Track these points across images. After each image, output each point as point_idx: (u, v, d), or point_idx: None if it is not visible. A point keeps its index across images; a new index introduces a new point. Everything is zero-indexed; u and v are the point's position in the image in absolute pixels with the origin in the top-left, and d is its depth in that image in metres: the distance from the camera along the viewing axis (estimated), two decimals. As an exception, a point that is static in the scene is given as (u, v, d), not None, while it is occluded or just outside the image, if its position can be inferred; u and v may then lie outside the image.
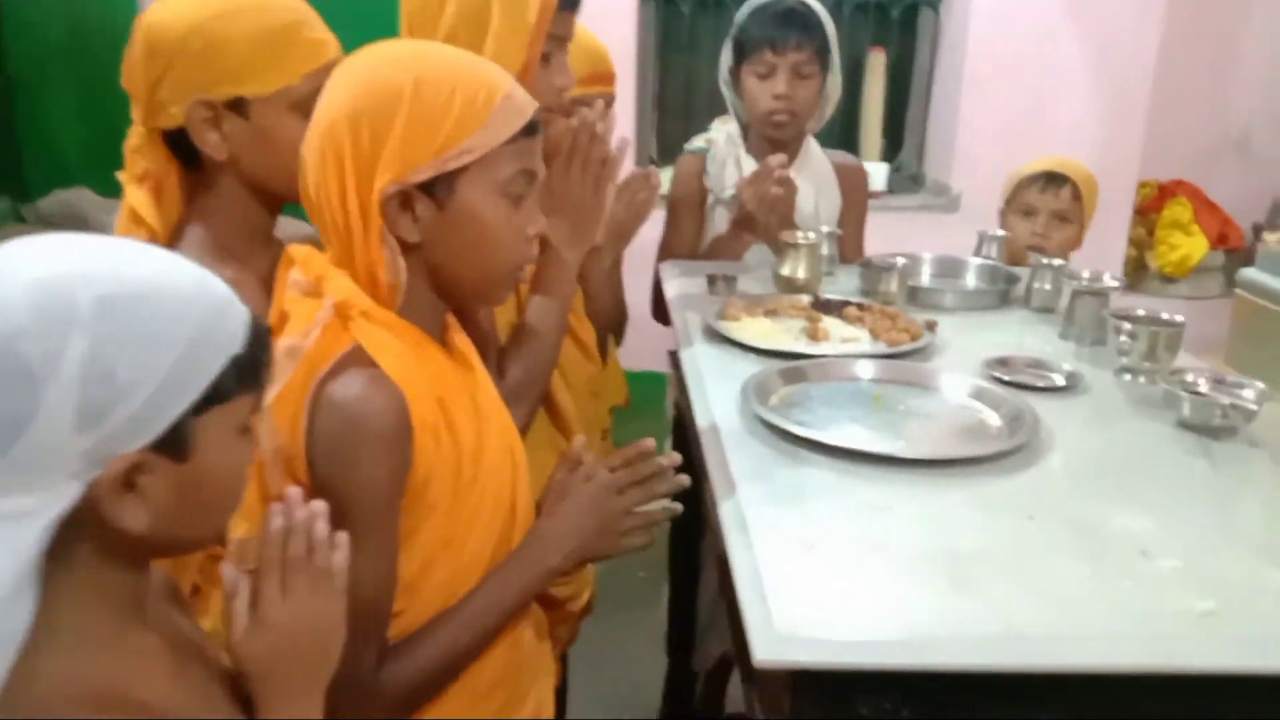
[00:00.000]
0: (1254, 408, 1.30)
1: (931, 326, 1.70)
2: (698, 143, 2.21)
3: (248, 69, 1.13)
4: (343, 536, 0.87)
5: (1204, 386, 1.37)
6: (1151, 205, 4.00)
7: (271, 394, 0.95)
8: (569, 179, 1.38)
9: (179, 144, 1.16)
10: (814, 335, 1.64)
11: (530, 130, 1.03)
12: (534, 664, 1.18)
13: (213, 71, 1.12)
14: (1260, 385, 1.35)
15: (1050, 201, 2.23)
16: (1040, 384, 1.49)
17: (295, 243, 1.07)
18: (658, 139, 3.96)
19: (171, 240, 1.16)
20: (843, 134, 3.93)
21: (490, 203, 1.02)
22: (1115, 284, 1.71)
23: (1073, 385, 1.49)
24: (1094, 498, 1.16)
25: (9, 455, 0.65)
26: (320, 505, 0.86)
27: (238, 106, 1.14)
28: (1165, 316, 1.55)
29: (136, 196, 1.15)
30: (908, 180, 4.06)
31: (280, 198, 1.21)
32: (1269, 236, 2.21)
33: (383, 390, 0.96)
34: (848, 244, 2.19)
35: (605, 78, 1.83)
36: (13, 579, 0.66)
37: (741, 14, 2.11)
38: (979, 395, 1.42)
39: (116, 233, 1.15)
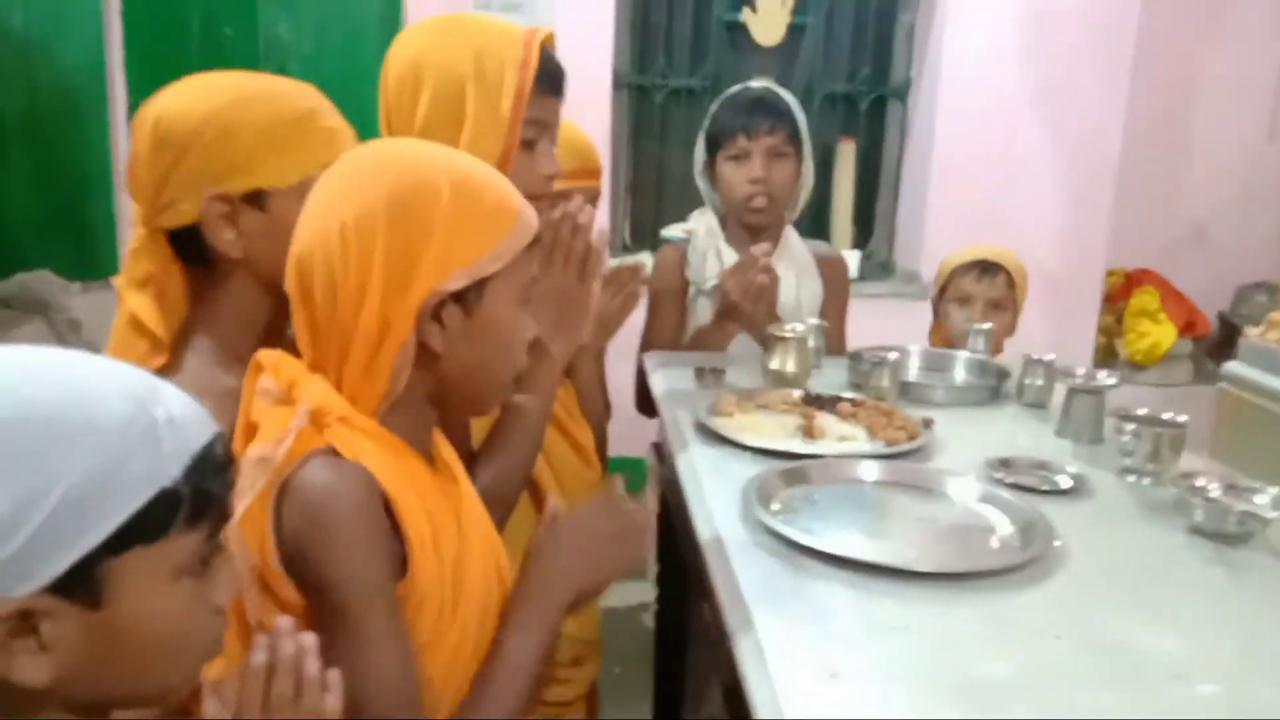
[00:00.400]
0: (1270, 515, 1.26)
1: (928, 424, 1.66)
2: (676, 232, 2.21)
3: (265, 159, 1.07)
4: (335, 676, 0.79)
5: (1216, 491, 1.34)
6: (1119, 293, 4.04)
7: (240, 510, 0.87)
8: (552, 274, 1.34)
9: (184, 244, 1.09)
10: (810, 433, 1.60)
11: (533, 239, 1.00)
12: None
13: (228, 163, 1.05)
14: (1275, 490, 1.32)
15: (986, 289, 2.25)
16: (1045, 487, 1.45)
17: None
18: (631, 223, 3.96)
19: (177, 351, 1.08)
20: (813, 222, 3.94)
21: (511, 310, 0.99)
22: (1112, 382, 1.69)
23: (1078, 488, 1.45)
24: (1117, 614, 1.10)
25: None
26: (309, 639, 0.78)
27: (255, 200, 1.08)
28: (1167, 417, 1.52)
29: (138, 302, 1.07)
30: (878, 267, 4.08)
31: None
32: (1251, 331, 2.22)
33: (350, 470, 0.90)
34: (831, 335, 2.16)
35: (592, 172, 1.82)
36: None
37: (713, 108, 2.13)
38: (987, 500, 1.37)
39: (112, 342, 1.08)
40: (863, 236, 4.15)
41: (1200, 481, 1.36)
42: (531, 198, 1.43)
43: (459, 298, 0.96)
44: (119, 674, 0.67)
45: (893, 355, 1.81)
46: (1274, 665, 1.02)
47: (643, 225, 3.95)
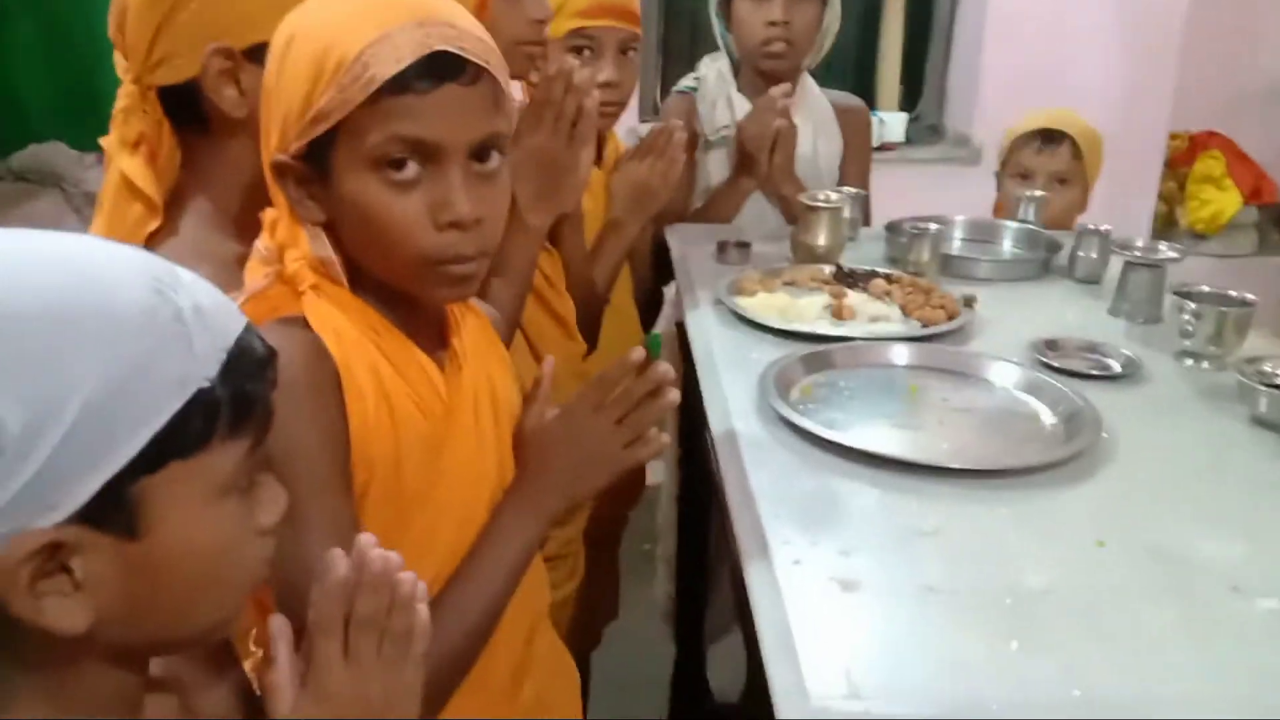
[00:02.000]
0: (1347, 406, 1.14)
1: (970, 302, 1.53)
2: (686, 82, 2.03)
3: (271, 10, 0.94)
4: (422, 588, 0.69)
5: (1284, 378, 1.21)
6: (1182, 159, 3.79)
7: None
8: (537, 134, 1.22)
9: (178, 103, 0.99)
10: (839, 314, 1.48)
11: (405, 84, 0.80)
12: (540, 661, 1.04)
13: (232, 13, 0.95)
14: (1351, 378, 1.19)
15: (1047, 163, 2.05)
16: (1095, 371, 1.33)
17: None
18: (662, 87, 3.76)
19: (171, 214, 1.00)
20: (858, 81, 3.72)
21: (361, 177, 0.83)
22: (1174, 255, 1.54)
23: (1130, 373, 1.33)
24: (1170, 517, 1.00)
25: None
26: (396, 556, 0.68)
27: (259, 55, 0.95)
28: (1234, 294, 1.38)
29: (130, 164, 0.98)
30: (927, 131, 3.86)
31: None
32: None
33: (301, 341, 0.81)
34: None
35: (623, 12, 1.59)
36: None
37: None
38: (1029, 387, 1.26)
39: (105, 207, 0.99)
40: (911, 98, 3.92)
41: (1267, 366, 1.23)
42: (519, 45, 1.30)
43: (310, 161, 0.84)
44: (161, 612, 0.58)
45: (934, 226, 1.67)
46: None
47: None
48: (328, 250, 0.85)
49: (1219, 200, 3.69)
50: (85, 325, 0.52)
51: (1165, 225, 3.78)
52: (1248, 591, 0.88)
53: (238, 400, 0.57)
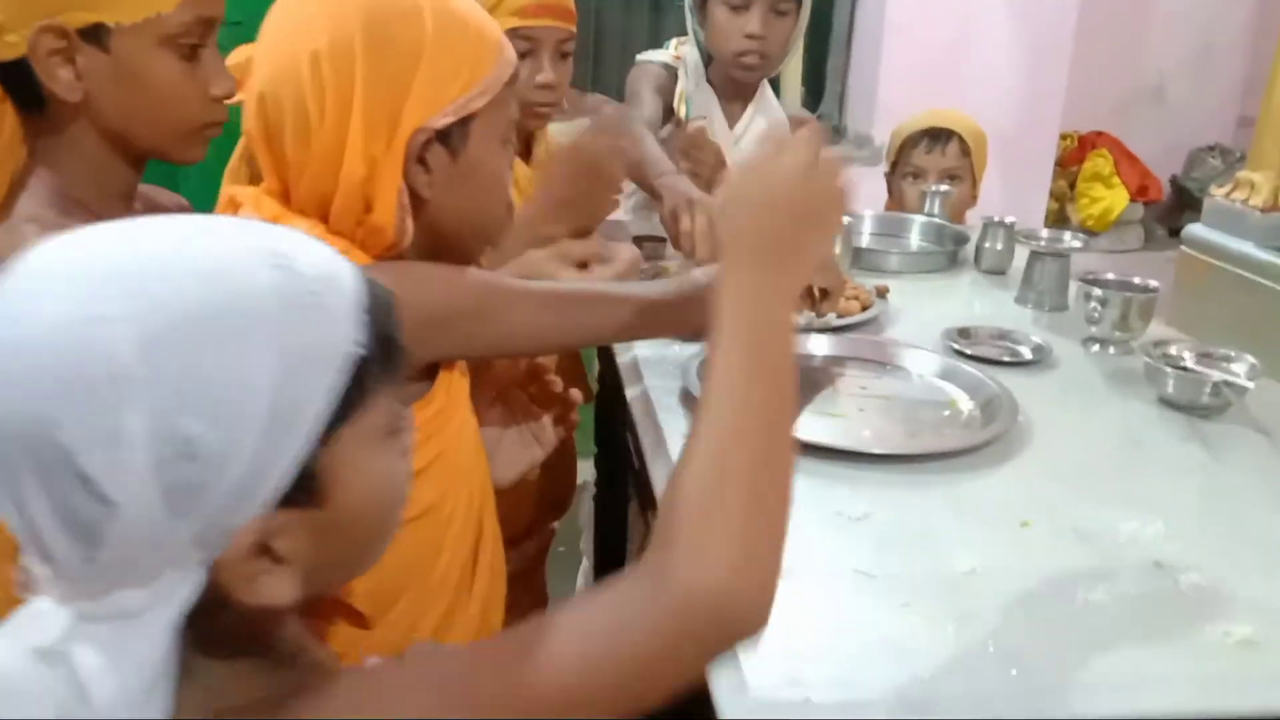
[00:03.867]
0: (1248, 385, 1.17)
1: (883, 293, 1.54)
2: (660, 56, 1.95)
3: None
4: None
5: (1189, 361, 1.25)
6: (1072, 157, 3.91)
7: None
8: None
9: (18, 79, 0.91)
10: (756, 305, 1.47)
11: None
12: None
13: None
14: (1251, 359, 1.23)
15: (938, 161, 2.08)
16: (1007, 358, 1.35)
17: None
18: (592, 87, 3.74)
19: (11, 193, 0.93)
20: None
21: (496, 150, 0.88)
22: (1078, 244, 1.58)
23: (1041, 359, 1.36)
24: (1090, 497, 1.01)
25: (98, 560, 0.49)
26: None
27: (96, 36, 0.91)
28: (1138, 281, 1.42)
29: None
30: (829, 131, 3.91)
31: (145, 150, 0.98)
32: (1216, 190, 2.11)
33: None
34: None
35: (557, 10, 1.55)
36: (139, 687, 0.50)
37: None
38: (946, 374, 1.27)
39: None
40: (813, 99, 3.97)
41: (1172, 349, 1.26)
42: None
43: (443, 137, 0.84)
44: (347, 561, 0.60)
45: (845, 219, 1.67)
46: (1253, 548, 0.93)
47: (579, 89, 3.73)
48: (408, 235, 0.85)
49: (1108, 198, 3.82)
50: (232, 326, 0.50)
51: (1057, 222, 3.90)
52: (1170, 567, 0.89)
53: (383, 353, 0.56)
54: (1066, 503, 1.00)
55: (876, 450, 1.05)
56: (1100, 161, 3.83)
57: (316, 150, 0.82)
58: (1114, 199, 3.80)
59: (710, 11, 1.84)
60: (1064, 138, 3.90)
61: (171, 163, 0.99)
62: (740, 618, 0.58)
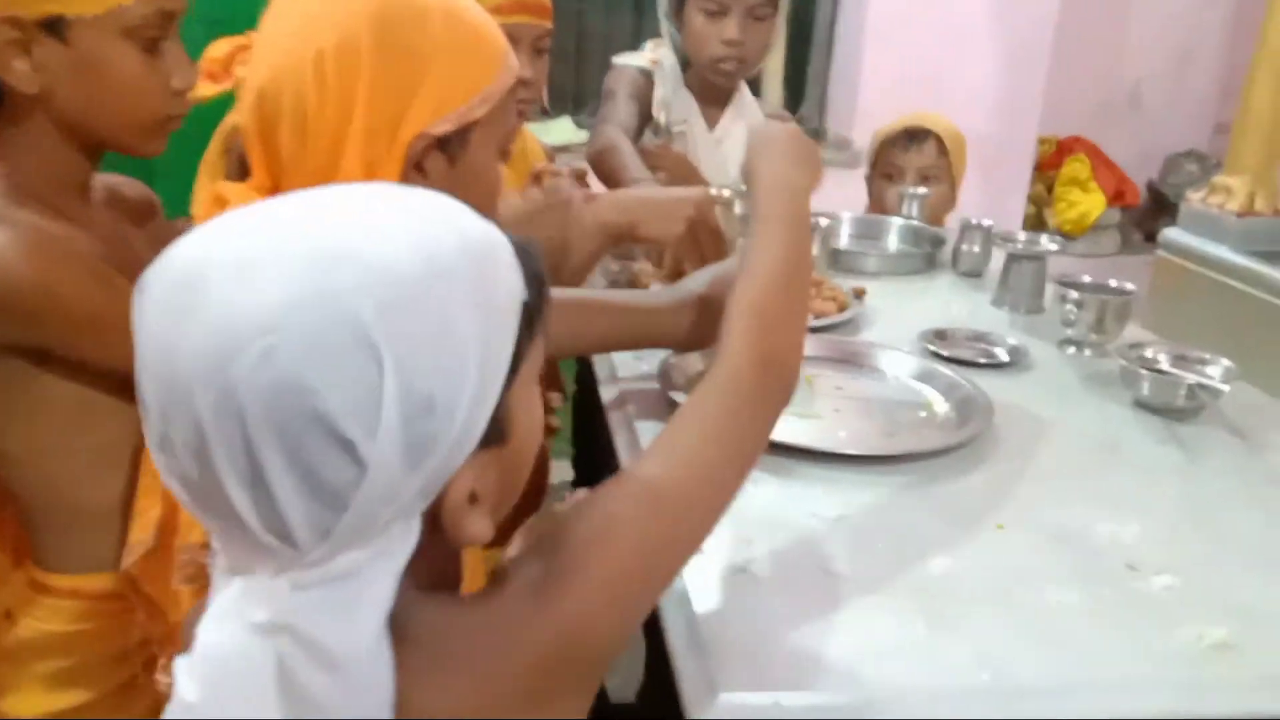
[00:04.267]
0: (1223, 388, 1.17)
1: (860, 295, 1.54)
2: (636, 61, 1.91)
3: None
4: None
5: (1165, 363, 1.24)
6: (1050, 162, 3.93)
7: None
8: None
9: None
10: (732, 306, 1.46)
11: None
12: None
13: None
14: (1226, 362, 1.23)
15: (915, 159, 2.09)
16: (983, 360, 1.35)
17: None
18: (549, 87, 3.72)
19: None
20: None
21: (494, 161, 0.88)
22: (1054, 247, 1.58)
23: (1017, 361, 1.35)
24: (1062, 499, 1.01)
25: (336, 528, 0.51)
26: None
27: (54, 28, 0.90)
28: (1114, 284, 1.42)
29: None
30: (809, 134, 3.91)
31: (103, 143, 0.97)
32: (1191, 194, 2.12)
33: None
34: None
35: (534, 7, 1.54)
36: (369, 639, 0.52)
37: None
38: (921, 376, 1.26)
39: None
40: (794, 102, 3.97)
41: (1148, 352, 1.26)
42: None
43: (443, 144, 0.83)
44: (512, 496, 0.63)
45: (823, 221, 1.67)
46: (1228, 550, 0.93)
47: (562, 90, 3.70)
48: None
49: (1085, 202, 3.83)
50: (444, 287, 0.53)
51: (1034, 226, 3.91)
52: (1143, 569, 0.88)
53: (538, 297, 0.60)
54: (1041, 504, 0.99)
55: (850, 451, 1.04)
56: (1078, 166, 3.85)
57: (314, 149, 0.80)
58: (1091, 203, 3.82)
59: (687, 17, 1.82)
60: (1042, 142, 3.92)
61: (131, 155, 0.97)
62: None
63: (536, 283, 0.59)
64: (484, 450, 0.56)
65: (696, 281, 1.11)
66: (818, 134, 3.92)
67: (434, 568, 0.59)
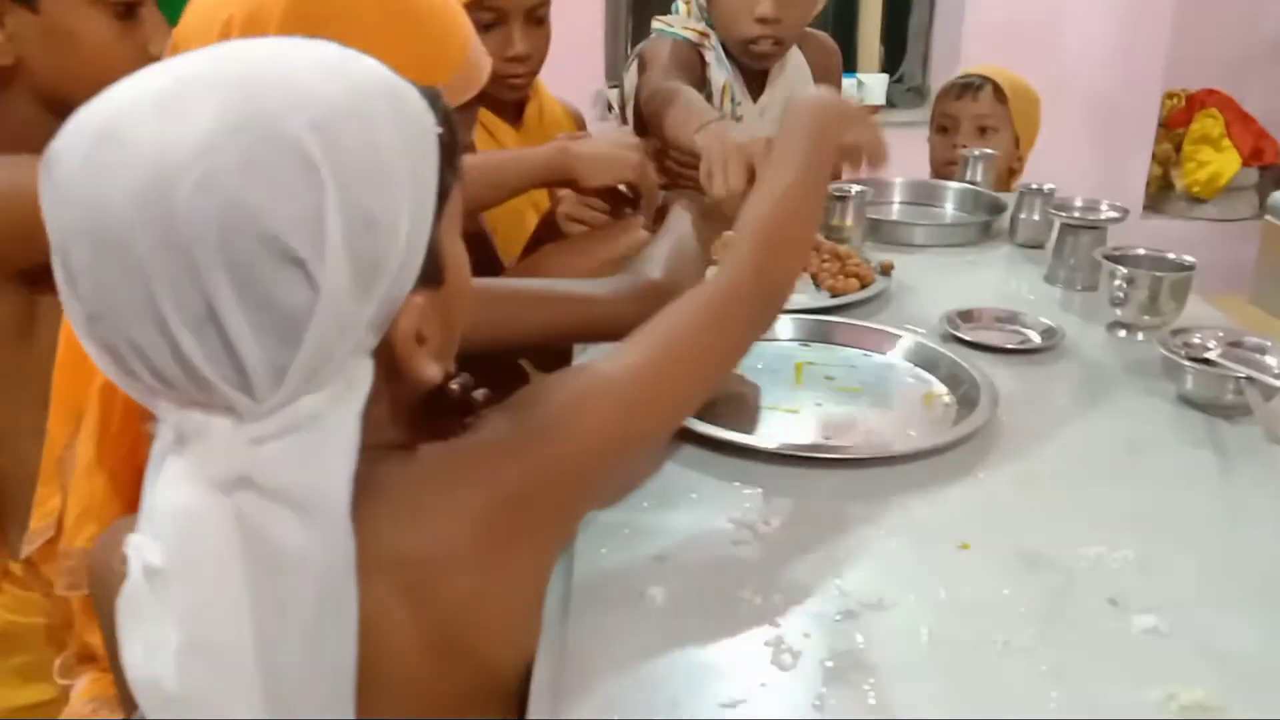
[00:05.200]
0: (1278, 384, 0.99)
1: (887, 270, 1.39)
2: (675, 29, 1.71)
3: None
4: None
5: (1214, 351, 1.07)
6: (1178, 118, 3.60)
7: None
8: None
9: None
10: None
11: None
12: None
13: None
14: (1288, 349, 1.05)
15: (969, 107, 1.92)
16: (1010, 345, 1.19)
17: None
18: (630, 48, 3.61)
19: None
20: (836, 41, 3.56)
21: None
22: (1115, 215, 1.40)
23: (1050, 346, 1.19)
24: (1057, 513, 0.87)
25: (292, 365, 0.50)
26: None
27: None
28: (1172, 257, 1.24)
29: None
30: (910, 94, 3.70)
31: None
32: (1308, 153, 1.87)
33: None
34: None
35: None
36: (336, 486, 0.52)
37: None
38: (929, 363, 1.12)
39: None
40: (893, 59, 3.76)
41: (1196, 338, 1.09)
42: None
43: None
44: (452, 344, 0.64)
45: (855, 189, 1.52)
46: (1232, 583, 0.77)
47: (618, 61, 3.59)
48: None
49: (1217, 162, 3.51)
50: (369, 109, 0.53)
51: (1160, 188, 3.61)
52: (1125, 605, 0.74)
53: (454, 138, 0.60)
54: (1024, 520, 0.85)
55: (793, 451, 0.92)
56: (1209, 122, 3.52)
57: None
58: (1224, 163, 3.49)
59: None
60: (1169, 97, 3.60)
61: None
62: (782, 292, 0.84)
63: (447, 120, 0.59)
64: (423, 290, 0.57)
65: (651, 268, 1.01)
66: (920, 93, 3.70)
67: (393, 424, 0.60)
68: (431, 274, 0.57)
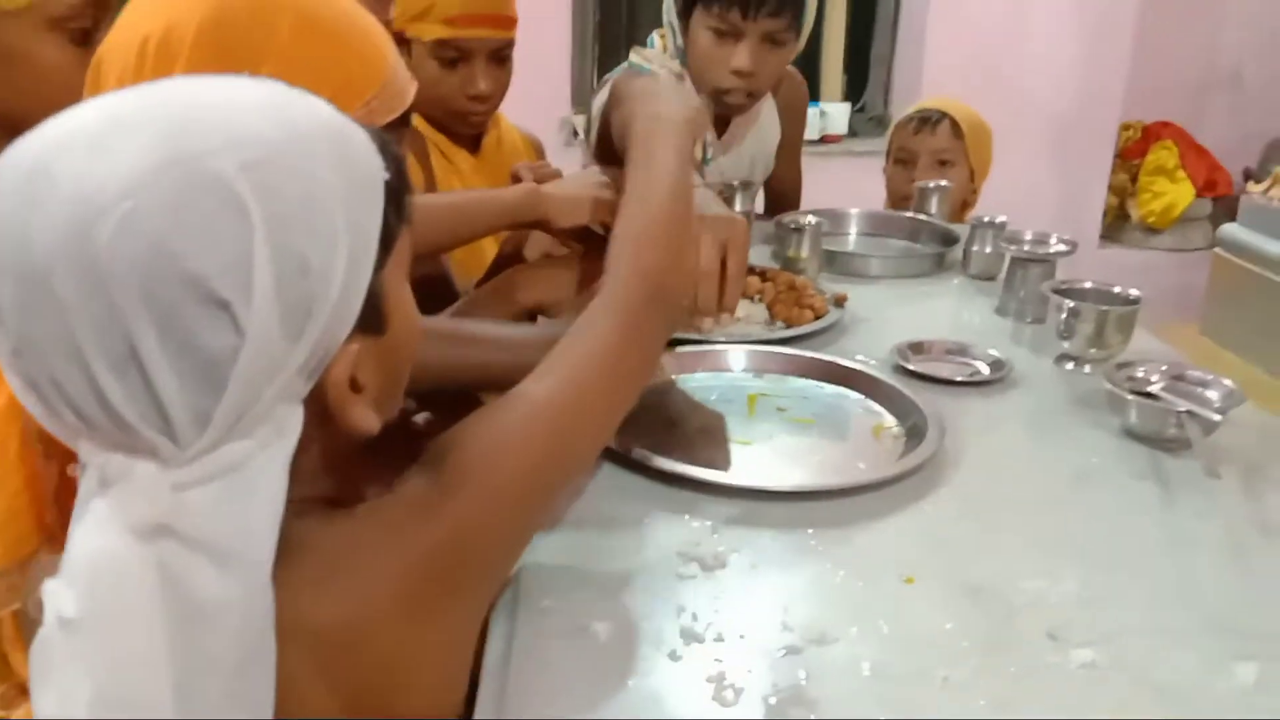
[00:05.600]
0: (1214, 418, 1.01)
1: (840, 301, 1.41)
2: (660, 70, 1.61)
3: None
4: None
5: (1158, 385, 1.09)
6: (1134, 149, 3.68)
7: None
8: None
9: None
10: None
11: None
12: None
13: None
14: (1229, 384, 1.07)
15: (926, 141, 1.96)
16: (959, 377, 1.21)
17: None
18: (597, 76, 3.63)
19: None
20: (800, 70, 3.60)
21: None
22: (1064, 248, 1.42)
23: (1000, 378, 1.21)
24: (1000, 546, 0.88)
25: (216, 412, 0.49)
26: None
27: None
28: (1119, 290, 1.26)
29: None
30: (872, 123, 3.74)
31: None
32: (1254, 187, 1.91)
33: None
34: (783, 172, 1.87)
35: (491, 19, 1.44)
36: (261, 536, 0.51)
37: None
38: (879, 395, 1.13)
39: None
40: (855, 88, 3.81)
41: (1140, 371, 1.11)
42: None
43: None
44: (395, 395, 0.64)
45: (811, 220, 1.54)
46: (1176, 617, 0.78)
47: (584, 90, 3.61)
48: None
49: (1172, 193, 3.58)
50: (308, 150, 0.53)
51: (1116, 218, 3.67)
52: (1064, 640, 0.75)
53: (400, 184, 0.59)
54: (968, 553, 0.86)
55: (751, 485, 0.93)
56: (1164, 154, 3.59)
57: None
58: (1178, 194, 3.56)
59: (693, 31, 1.60)
60: (1126, 128, 3.68)
61: None
62: (676, 289, 0.82)
63: (396, 164, 0.59)
64: (363, 337, 0.56)
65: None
66: (881, 122, 3.74)
67: (324, 474, 0.59)
68: (372, 320, 0.57)
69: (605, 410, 0.72)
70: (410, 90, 0.82)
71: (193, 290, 0.48)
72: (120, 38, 0.77)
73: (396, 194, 0.58)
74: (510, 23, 1.47)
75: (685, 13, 1.62)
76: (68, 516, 0.74)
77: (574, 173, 1.21)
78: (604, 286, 0.77)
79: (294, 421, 0.54)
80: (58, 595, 0.50)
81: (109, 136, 0.49)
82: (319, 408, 0.56)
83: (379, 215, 0.56)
